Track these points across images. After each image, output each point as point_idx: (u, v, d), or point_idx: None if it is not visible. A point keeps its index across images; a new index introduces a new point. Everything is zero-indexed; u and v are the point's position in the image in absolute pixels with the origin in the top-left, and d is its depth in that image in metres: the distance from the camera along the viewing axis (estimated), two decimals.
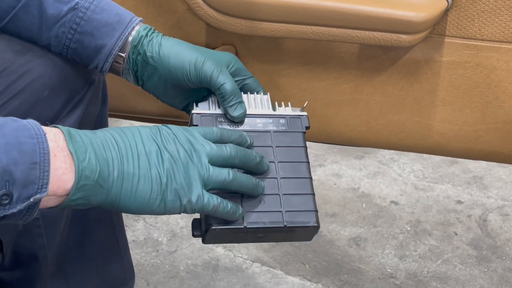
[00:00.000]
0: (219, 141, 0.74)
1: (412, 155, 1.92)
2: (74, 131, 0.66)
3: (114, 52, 0.81)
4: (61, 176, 0.63)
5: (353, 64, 0.96)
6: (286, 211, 0.76)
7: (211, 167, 0.71)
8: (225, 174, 0.71)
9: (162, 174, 0.68)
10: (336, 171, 1.84)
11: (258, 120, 0.81)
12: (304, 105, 0.84)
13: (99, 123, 0.94)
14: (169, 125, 0.72)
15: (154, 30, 0.84)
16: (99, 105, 0.93)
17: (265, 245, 1.54)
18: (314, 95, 0.98)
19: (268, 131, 0.80)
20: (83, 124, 0.88)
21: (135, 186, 0.67)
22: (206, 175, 0.70)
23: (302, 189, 0.78)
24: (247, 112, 0.81)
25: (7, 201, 0.61)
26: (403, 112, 0.98)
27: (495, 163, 1.65)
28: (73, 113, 0.85)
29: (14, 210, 0.61)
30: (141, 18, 0.84)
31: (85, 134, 0.67)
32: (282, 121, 0.82)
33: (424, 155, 1.90)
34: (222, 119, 0.80)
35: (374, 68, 0.96)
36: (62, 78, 0.83)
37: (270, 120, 0.81)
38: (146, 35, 0.82)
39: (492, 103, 0.95)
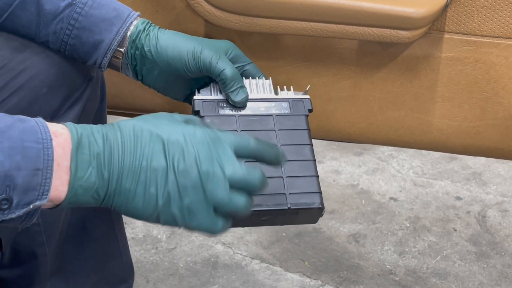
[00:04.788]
0: (251, 156, 0.67)
1: (411, 151, 1.92)
2: (86, 137, 0.63)
3: (112, 47, 0.81)
4: (59, 186, 0.62)
5: (352, 61, 0.96)
6: (289, 193, 0.76)
7: (226, 195, 0.64)
8: (242, 204, 0.65)
9: (159, 196, 0.63)
10: (335, 168, 1.84)
11: (260, 104, 0.82)
12: (307, 89, 0.85)
13: (97, 120, 0.94)
14: (198, 129, 0.65)
15: (151, 24, 0.84)
16: (97, 102, 0.93)
17: (265, 242, 1.54)
18: (313, 91, 0.97)
19: (271, 115, 0.81)
20: (82, 121, 0.88)
21: (129, 201, 0.64)
22: (218, 202, 0.64)
23: (306, 171, 0.77)
24: (249, 97, 0.81)
25: (6, 206, 0.60)
26: (402, 109, 0.98)
27: (494, 159, 1.65)
28: (71, 110, 0.85)
29: (13, 216, 0.61)
30: (139, 13, 0.84)
31: (96, 142, 0.63)
32: (284, 104, 0.82)
33: (423, 151, 1.90)
34: (224, 104, 0.81)
35: (373, 65, 0.96)
36: (60, 75, 0.83)
37: (273, 104, 0.82)
38: (144, 29, 0.82)
39: (491, 99, 0.95)
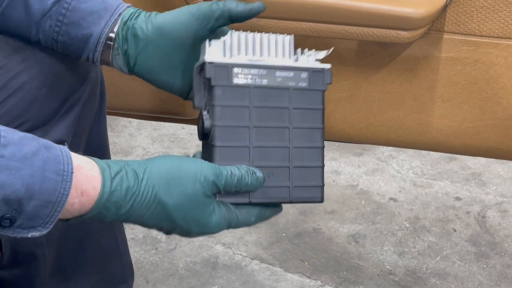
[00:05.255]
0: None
1: (411, 151, 1.92)
2: (108, 208, 0.66)
3: (101, 41, 0.78)
4: (66, 215, 0.65)
5: (352, 61, 0.96)
6: (294, 186, 0.74)
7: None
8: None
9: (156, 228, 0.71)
10: (335, 168, 1.84)
11: (278, 73, 0.75)
12: (330, 51, 0.79)
13: (97, 121, 0.94)
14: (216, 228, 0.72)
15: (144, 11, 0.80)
16: (97, 103, 0.92)
17: (264, 242, 1.54)
18: None
19: (287, 88, 0.75)
20: (81, 121, 0.88)
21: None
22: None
23: (313, 161, 0.75)
24: (267, 62, 0.75)
25: (8, 225, 0.61)
26: (402, 109, 0.98)
27: (493, 159, 1.65)
28: (71, 111, 0.85)
29: (10, 235, 0.62)
30: (129, 4, 0.80)
31: (117, 213, 0.67)
32: (303, 75, 0.76)
33: (423, 151, 1.90)
34: (239, 70, 0.74)
35: (373, 65, 0.96)
36: (59, 76, 0.82)
37: (291, 74, 0.76)
38: (136, 11, 0.79)
39: (490, 99, 0.95)
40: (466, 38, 0.92)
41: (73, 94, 0.85)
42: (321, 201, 0.75)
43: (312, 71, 0.77)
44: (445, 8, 0.90)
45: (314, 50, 0.78)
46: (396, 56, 0.95)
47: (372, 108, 0.98)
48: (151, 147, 1.98)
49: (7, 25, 0.80)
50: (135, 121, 2.09)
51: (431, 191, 1.76)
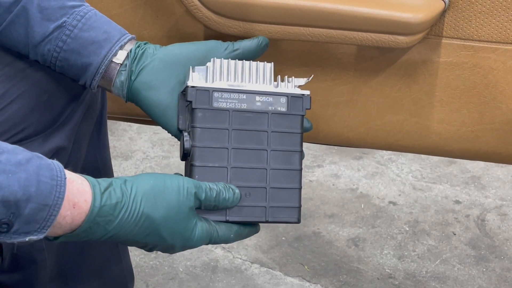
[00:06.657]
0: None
1: (410, 155, 1.92)
2: (97, 224, 0.66)
3: (100, 71, 0.79)
4: (57, 230, 0.65)
5: (351, 65, 0.96)
6: (270, 206, 0.76)
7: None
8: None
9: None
10: (334, 172, 1.84)
11: (257, 97, 0.78)
12: (309, 79, 0.82)
13: (98, 127, 0.94)
14: (198, 239, 0.73)
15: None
16: (98, 108, 0.93)
17: (264, 246, 1.55)
18: (312, 96, 0.97)
19: (266, 112, 0.78)
20: (82, 127, 0.88)
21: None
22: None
23: (290, 183, 0.78)
24: (247, 88, 0.78)
25: (5, 230, 0.61)
26: (401, 113, 0.98)
27: (493, 163, 1.65)
28: (72, 117, 0.85)
29: (7, 241, 0.63)
30: (133, 36, 0.81)
31: (106, 228, 0.67)
32: (282, 100, 0.79)
33: (422, 155, 1.90)
34: (219, 94, 0.77)
35: (372, 69, 0.96)
36: (60, 82, 0.82)
37: (270, 99, 0.79)
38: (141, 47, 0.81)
39: (489, 104, 0.95)
40: (465, 43, 0.92)
41: (74, 100, 0.85)
42: (298, 222, 0.77)
43: (291, 97, 0.80)
44: (443, 13, 0.90)
45: (293, 77, 0.81)
46: (395, 61, 0.95)
47: (371, 112, 0.99)
48: (151, 151, 1.98)
49: (4, 44, 0.80)
50: (135, 125, 2.10)
51: (431, 195, 1.76)
